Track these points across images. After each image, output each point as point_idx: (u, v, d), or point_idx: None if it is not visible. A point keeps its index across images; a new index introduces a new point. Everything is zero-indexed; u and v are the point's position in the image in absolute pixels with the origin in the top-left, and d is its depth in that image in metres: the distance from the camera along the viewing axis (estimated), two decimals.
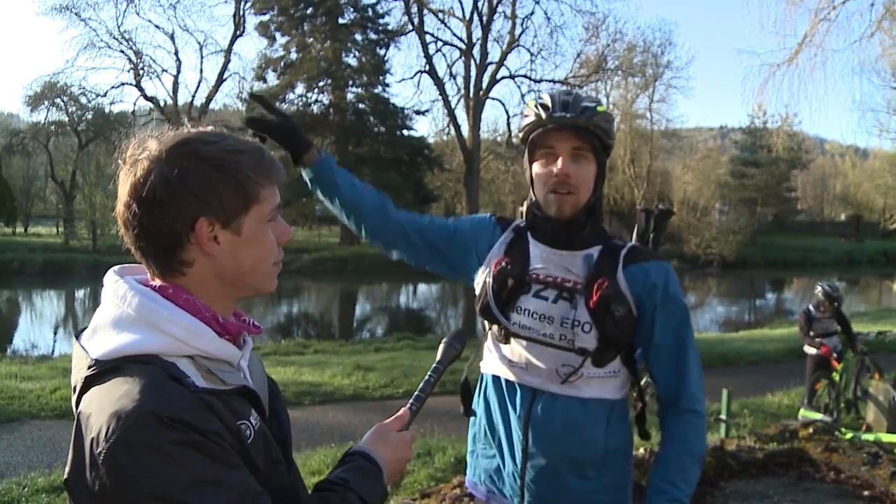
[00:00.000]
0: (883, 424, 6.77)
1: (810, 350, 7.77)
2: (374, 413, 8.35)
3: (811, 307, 7.87)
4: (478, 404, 1.99)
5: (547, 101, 1.77)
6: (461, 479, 4.71)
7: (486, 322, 1.94)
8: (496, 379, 1.91)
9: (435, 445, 6.24)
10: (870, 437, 6.04)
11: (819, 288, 7.81)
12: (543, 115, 1.76)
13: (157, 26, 51.64)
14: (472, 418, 2.01)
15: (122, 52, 41.63)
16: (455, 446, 6.11)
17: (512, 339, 1.83)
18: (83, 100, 41.56)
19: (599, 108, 1.76)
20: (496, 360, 1.89)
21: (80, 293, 28.17)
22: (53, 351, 15.23)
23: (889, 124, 49.99)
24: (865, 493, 4.74)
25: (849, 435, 5.97)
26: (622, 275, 1.77)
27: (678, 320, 1.79)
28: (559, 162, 1.75)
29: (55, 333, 19.24)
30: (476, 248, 1.96)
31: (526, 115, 1.83)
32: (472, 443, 2.04)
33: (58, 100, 40.73)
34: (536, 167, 1.82)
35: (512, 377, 1.85)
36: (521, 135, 1.86)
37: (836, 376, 7.70)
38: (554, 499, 1.82)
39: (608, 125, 1.78)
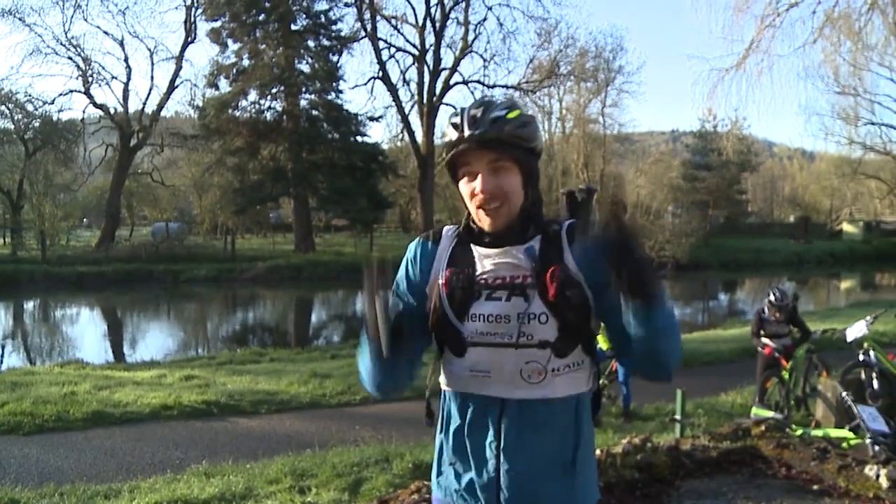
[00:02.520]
0: (831, 420, 6.93)
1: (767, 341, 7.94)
2: (332, 420, 8.31)
3: (764, 308, 8.02)
4: (441, 424, 1.92)
5: (457, 119, 1.75)
6: (419, 485, 4.70)
7: (440, 340, 1.86)
8: (457, 395, 1.85)
9: (393, 451, 6.22)
10: (819, 432, 6.18)
11: (770, 294, 7.96)
12: (455, 136, 1.74)
13: (105, 32, 51.28)
14: (437, 441, 1.93)
15: (69, 58, 41.02)
16: (413, 452, 6.11)
17: (470, 349, 1.77)
18: (30, 107, 40.66)
19: (511, 115, 1.73)
20: (456, 375, 1.83)
21: (28, 305, 27.56)
22: (1, 364, 14.86)
23: (833, 128, 51.27)
24: (815, 486, 4.85)
25: (799, 431, 6.09)
26: (569, 255, 1.75)
27: None
28: (479, 179, 1.73)
29: (3, 347, 18.79)
30: (422, 276, 1.90)
31: (445, 136, 1.81)
32: (437, 465, 1.93)
33: (3, 107, 39.74)
34: (462, 185, 1.80)
35: (475, 390, 1.80)
36: (444, 154, 1.82)
37: (786, 374, 7.87)
38: None
39: (525, 129, 1.75)
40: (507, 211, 1.75)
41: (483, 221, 1.79)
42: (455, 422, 1.85)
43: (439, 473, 1.92)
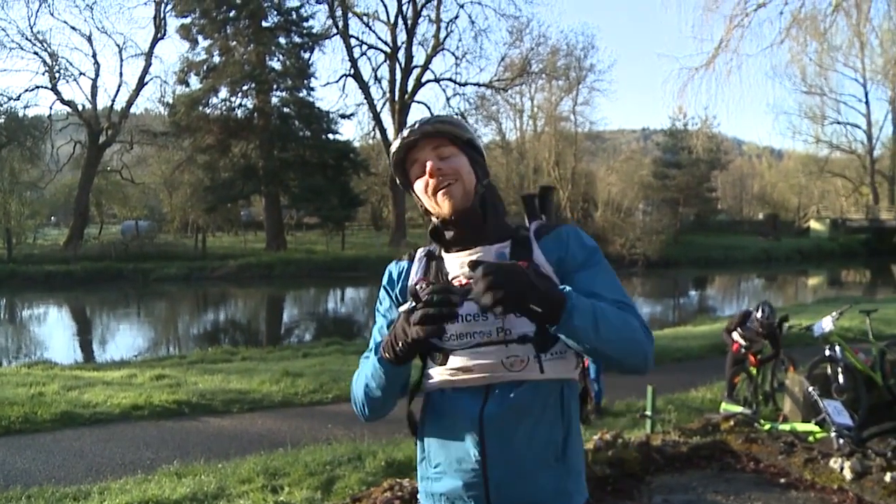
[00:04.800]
0: (798, 415, 7.03)
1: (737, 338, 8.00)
2: (304, 419, 8.28)
3: (755, 317, 7.95)
4: (423, 427, 1.89)
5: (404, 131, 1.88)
6: (392, 483, 4.71)
7: (422, 353, 1.83)
8: (440, 393, 1.83)
9: (365, 450, 6.23)
10: (786, 427, 6.28)
11: (759, 309, 7.86)
12: (406, 134, 1.84)
13: (73, 27, 50.83)
14: (418, 444, 1.91)
15: (35, 53, 40.30)
16: (385, 450, 6.12)
17: (452, 357, 1.76)
18: None
19: (444, 116, 1.91)
20: (437, 377, 1.81)
21: None
22: None
23: (801, 127, 52.09)
24: (782, 480, 4.94)
25: (767, 426, 6.19)
26: (538, 251, 1.78)
27: (594, 262, 1.80)
28: (428, 163, 1.80)
29: None
30: (402, 296, 1.92)
31: (392, 150, 1.92)
32: (423, 468, 1.90)
33: None
34: (417, 185, 1.87)
35: (458, 385, 1.78)
36: (392, 169, 1.96)
37: (754, 370, 7.96)
38: (522, 498, 1.73)
39: (456, 122, 1.89)
40: (462, 189, 1.81)
41: (443, 206, 1.80)
42: (436, 421, 1.84)
43: (423, 479, 1.90)
